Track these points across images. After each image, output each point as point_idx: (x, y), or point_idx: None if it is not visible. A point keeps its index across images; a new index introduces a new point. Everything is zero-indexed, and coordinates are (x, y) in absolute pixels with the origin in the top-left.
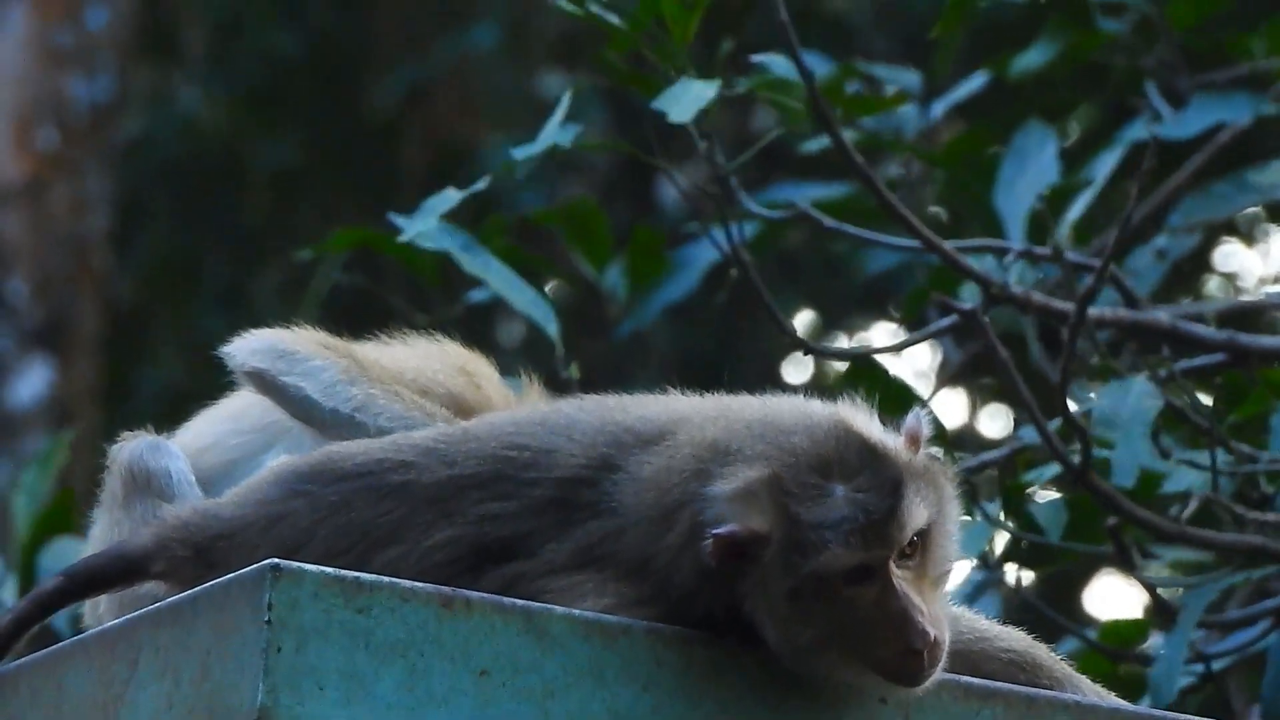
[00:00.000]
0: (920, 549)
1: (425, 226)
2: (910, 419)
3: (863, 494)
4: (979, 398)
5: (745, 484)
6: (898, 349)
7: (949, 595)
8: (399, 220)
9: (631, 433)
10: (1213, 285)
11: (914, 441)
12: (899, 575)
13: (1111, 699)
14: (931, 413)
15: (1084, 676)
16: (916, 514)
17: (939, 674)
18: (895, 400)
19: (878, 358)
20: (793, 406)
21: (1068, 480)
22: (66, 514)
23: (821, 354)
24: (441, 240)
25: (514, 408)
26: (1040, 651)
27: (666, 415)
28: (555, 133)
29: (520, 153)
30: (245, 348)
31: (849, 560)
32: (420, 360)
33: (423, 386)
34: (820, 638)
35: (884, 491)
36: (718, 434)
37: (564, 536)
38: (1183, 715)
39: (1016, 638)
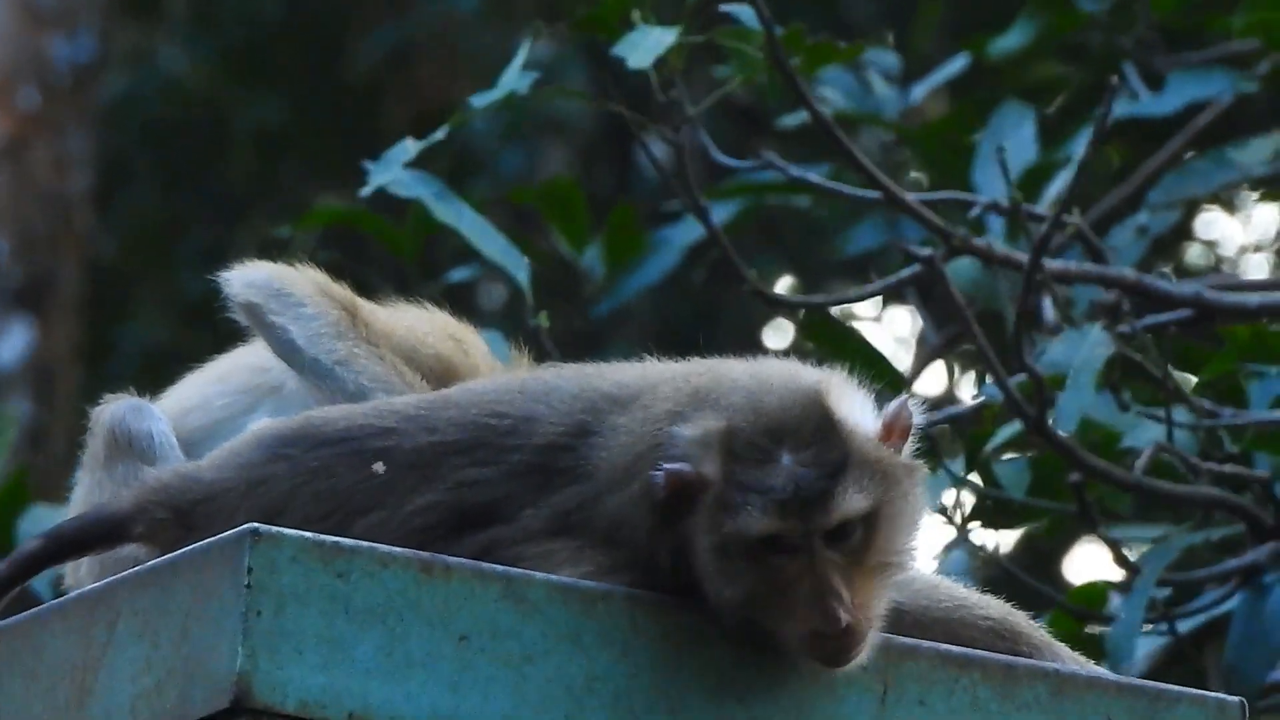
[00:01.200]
0: (862, 536)
1: (385, 176)
2: (893, 407)
3: (803, 468)
4: (959, 365)
5: (704, 430)
6: (858, 299)
7: (906, 575)
8: (374, 169)
9: (608, 398)
10: (1194, 253)
11: (892, 431)
12: (828, 557)
13: (1090, 666)
14: (913, 397)
15: (1063, 644)
16: (850, 501)
17: (863, 659)
18: (858, 355)
19: (846, 319)
20: (782, 369)
21: (1026, 432)
22: (20, 492)
23: (779, 304)
24: (414, 188)
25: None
26: (1019, 619)
27: (646, 377)
28: (514, 79)
29: (478, 100)
30: (243, 278)
31: (764, 528)
32: (411, 322)
33: (412, 346)
34: (740, 599)
35: (822, 470)
36: (701, 384)
37: (542, 502)
38: (1160, 684)
39: (995, 605)
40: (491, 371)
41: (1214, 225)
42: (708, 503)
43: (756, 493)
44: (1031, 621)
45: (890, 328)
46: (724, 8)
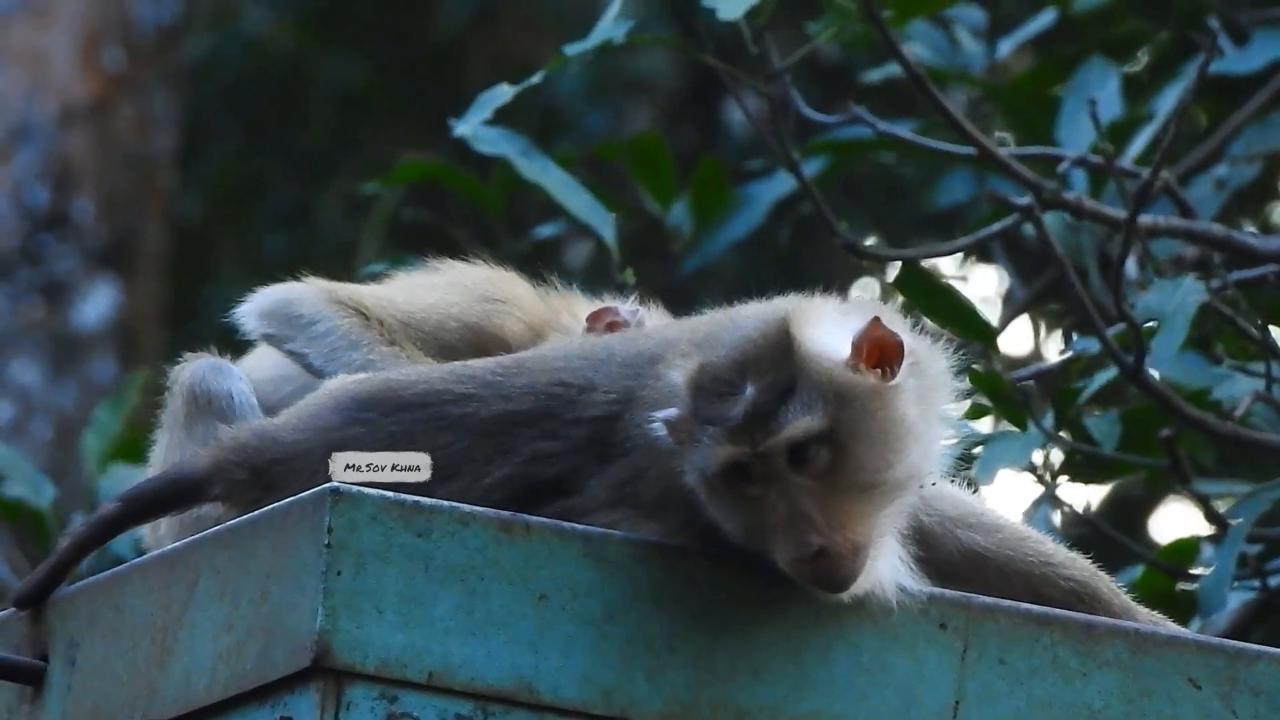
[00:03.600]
0: (830, 458)
1: (477, 120)
2: (862, 327)
3: (757, 394)
4: (1045, 323)
5: (681, 372)
6: (950, 252)
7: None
8: (458, 125)
9: (651, 360)
10: (1279, 214)
11: (863, 352)
12: (795, 482)
13: (1169, 625)
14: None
15: (1143, 608)
16: (796, 420)
17: (864, 585)
18: (949, 309)
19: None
20: (772, 305)
21: (1122, 380)
22: (137, 453)
23: (870, 256)
24: (499, 145)
25: (547, 320)
26: (1102, 583)
27: (689, 331)
28: (609, 28)
29: (572, 49)
30: (254, 311)
31: (721, 459)
32: (440, 294)
33: (436, 325)
34: (738, 531)
35: (771, 396)
36: (708, 330)
37: (602, 474)
38: (1239, 643)
39: (1081, 566)
40: (535, 321)
41: None
42: (684, 443)
43: (712, 424)
44: (1115, 586)
45: (975, 287)
46: None
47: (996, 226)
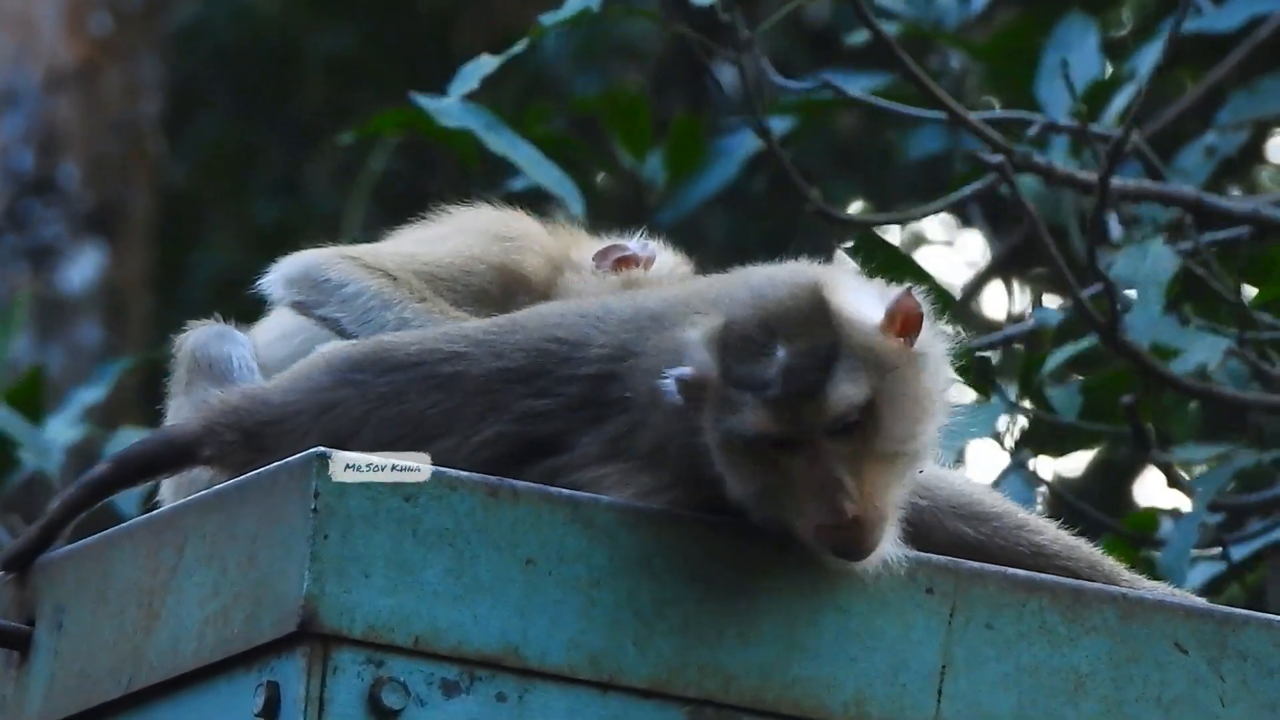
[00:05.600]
0: (864, 425)
1: (462, 91)
2: (896, 294)
3: (795, 359)
4: (1030, 288)
5: (703, 330)
6: (923, 215)
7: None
8: (423, 100)
9: (654, 317)
10: (1265, 178)
11: (896, 319)
12: (830, 449)
13: (1160, 589)
14: (930, 291)
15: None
16: (844, 393)
17: (884, 553)
18: (907, 277)
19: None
20: (793, 269)
21: (1100, 341)
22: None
23: (840, 222)
24: (465, 119)
25: (561, 255)
26: (1100, 572)
27: (698, 291)
28: None
29: (548, 19)
30: (281, 278)
31: (764, 428)
32: (455, 241)
33: (461, 270)
34: (753, 495)
35: (814, 363)
36: (720, 289)
37: (597, 431)
38: (1228, 608)
39: (1080, 555)
40: (550, 253)
41: None
42: (709, 402)
43: (749, 389)
44: (1114, 571)
45: (964, 252)
46: None
47: (969, 189)
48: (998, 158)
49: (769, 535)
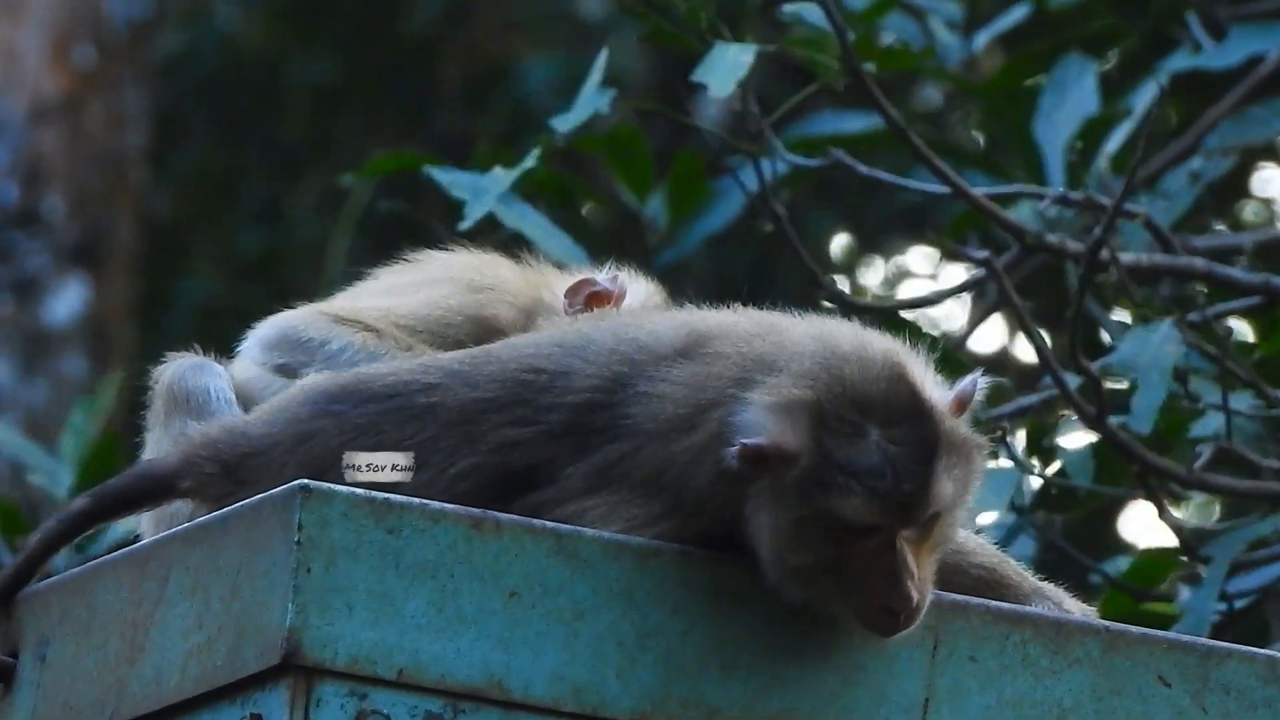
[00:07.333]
0: (934, 519)
1: (478, 213)
2: (966, 383)
3: (897, 447)
4: (1016, 324)
5: (787, 399)
6: (922, 304)
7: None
8: (439, 173)
9: (645, 349)
10: (1249, 211)
11: (961, 405)
12: (905, 536)
13: (1087, 610)
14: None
15: (1050, 585)
16: (944, 491)
17: (913, 630)
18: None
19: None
20: (850, 334)
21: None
22: (111, 455)
23: (849, 305)
24: (478, 194)
25: (534, 301)
26: (1010, 568)
27: (695, 328)
28: (594, 98)
29: (560, 123)
30: (259, 345)
31: (866, 519)
32: (429, 291)
33: (439, 321)
34: (811, 568)
35: (918, 456)
36: (766, 349)
37: (581, 461)
38: (1210, 641)
39: (988, 552)
40: (523, 298)
41: (1271, 183)
42: (794, 475)
43: (856, 476)
44: (1022, 569)
45: (948, 284)
46: (788, 7)
47: (970, 279)
48: (983, 254)
49: (782, 602)
